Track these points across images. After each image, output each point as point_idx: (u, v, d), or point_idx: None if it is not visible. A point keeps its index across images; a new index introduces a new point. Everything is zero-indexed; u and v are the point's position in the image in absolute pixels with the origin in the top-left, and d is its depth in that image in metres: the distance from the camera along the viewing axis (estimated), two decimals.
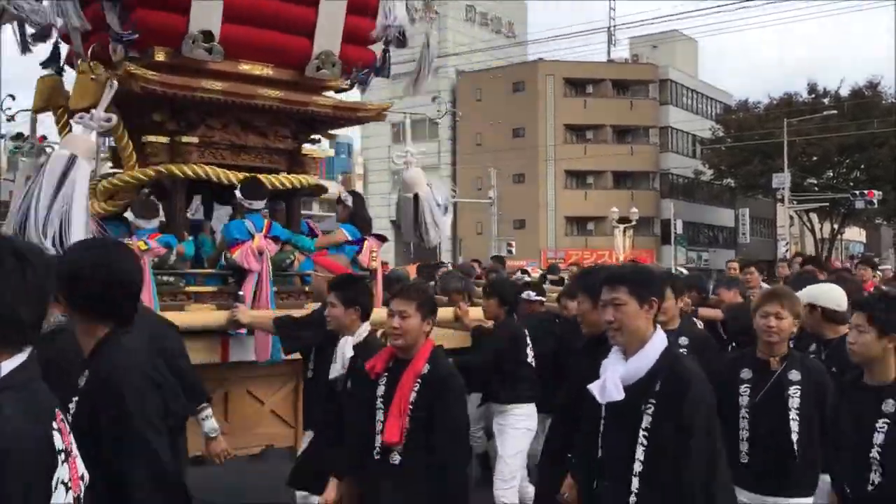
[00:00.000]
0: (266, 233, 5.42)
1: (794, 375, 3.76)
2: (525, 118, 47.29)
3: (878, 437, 3.03)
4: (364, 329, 4.14)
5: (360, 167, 50.00)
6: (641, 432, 2.81)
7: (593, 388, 2.89)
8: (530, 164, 46.58)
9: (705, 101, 53.58)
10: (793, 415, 3.72)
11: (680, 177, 50.81)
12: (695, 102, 52.70)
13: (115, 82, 4.88)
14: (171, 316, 4.51)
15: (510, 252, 35.84)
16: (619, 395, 2.81)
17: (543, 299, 6.53)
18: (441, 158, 50.55)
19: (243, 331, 5.02)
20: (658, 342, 2.89)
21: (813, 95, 44.78)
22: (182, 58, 5.30)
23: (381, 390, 3.51)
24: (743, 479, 3.74)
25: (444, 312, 5.92)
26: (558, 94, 48.03)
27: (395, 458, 3.42)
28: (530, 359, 5.61)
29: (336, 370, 4.20)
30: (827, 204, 42.51)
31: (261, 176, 5.63)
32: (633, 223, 34.87)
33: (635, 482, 2.81)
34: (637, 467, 2.81)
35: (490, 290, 5.88)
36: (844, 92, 43.94)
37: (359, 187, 46.73)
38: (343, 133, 78.27)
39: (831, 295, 4.35)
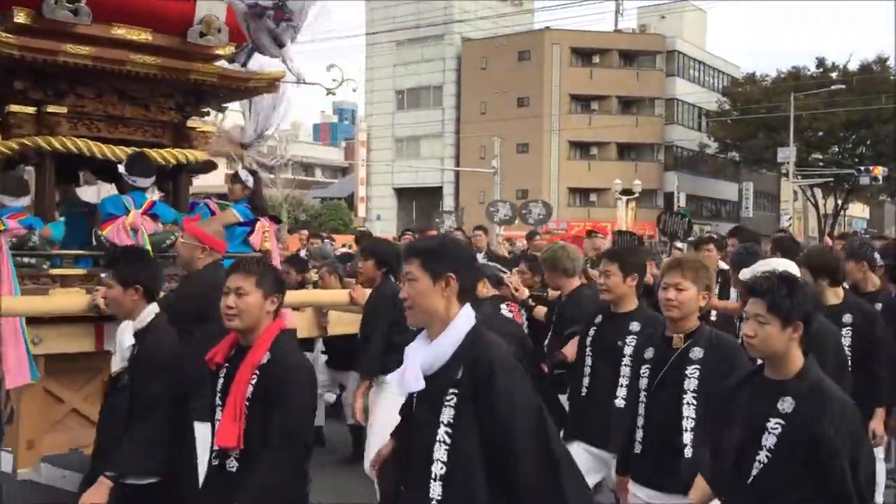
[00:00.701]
0: (146, 210, 5.05)
1: (696, 353, 3.29)
2: (530, 87, 46.97)
3: (769, 439, 2.59)
4: (148, 312, 3.49)
5: (364, 134, 49.72)
6: (443, 428, 2.39)
7: (393, 377, 2.52)
8: (534, 133, 46.36)
9: (712, 73, 53.14)
10: (687, 399, 3.25)
11: (684, 149, 50.58)
12: (702, 74, 52.28)
13: None
14: (24, 301, 4.19)
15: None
16: (417, 384, 2.42)
17: None
18: (445, 127, 50.33)
19: None
20: (461, 323, 2.46)
21: (821, 69, 44.39)
22: (45, 20, 4.84)
23: (219, 384, 3.00)
24: (637, 473, 3.41)
25: (340, 295, 5.74)
26: (564, 64, 47.64)
27: (232, 465, 2.89)
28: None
29: (116, 363, 3.71)
30: (831, 179, 42.36)
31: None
32: (636, 195, 34.75)
33: (436, 488, 2.38)
34: (437, 469, 2.38)
35: (367, 252, 5.46)
36: (853, 66, 43.59)
37: (362, 154, 46.59)
38: (347, 100, 76.96)
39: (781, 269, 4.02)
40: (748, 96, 45.43)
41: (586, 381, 4.29)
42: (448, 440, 2.38)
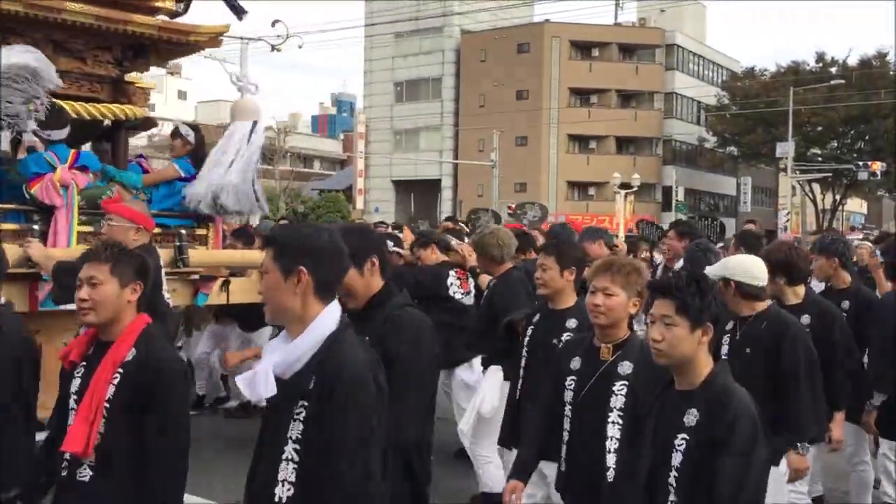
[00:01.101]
0: (71, 164, 4.85)
1: (625, 368, 3.04)
2: (529, 80, 46.91)
3: (676, 458, 2.40)
4: None
5: (363, 126, 49.64)
6: (291, 445, 2.10)
7: (240, 380, 2.17)
8: (533, 126, 46.33)
9: (712, 68, 53.09)
10: (612, 418, 3.00)
11: (683, 143, 50.57)
12: (701, 68, 52.23)
13: None
14: None
15: (511, 215, 35.78)
16: (267, 391, 2.10)
17: (400, 251, 6.13)
18: (444, 119, 50.27)
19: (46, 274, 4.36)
20: (322, 325, 2.17)
21: (820, 64, 44.37)
22: None
23: (75, 385, 2.66)
24: (563, 493, 3.19)
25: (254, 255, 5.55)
26: (564, 57, 47.57)
27: (84, 474, 2.57)
28: None
29: None
30: (830, 174, 42.38)
31: (76, 105, 5.07)
32: (635, 189, 34.72)
33: None
34: (282, 492, 2.09)
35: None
36: (852, 61, 43.58)
37: (360, 146, 46.51)
38: (345, 92, 76.73)
39: (745, 266, 3.82)
40: (747, 91, 45.41)
41: (520, 383, 4.03)
42: (296, 458, 2.09)
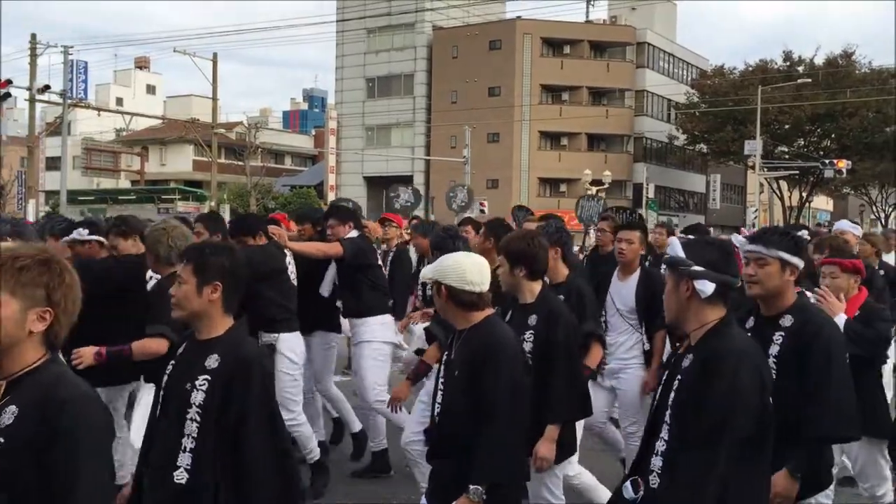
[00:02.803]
0: None
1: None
2: (501, 77, 47.01)
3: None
4: None
5: (334, 121, 49.39)
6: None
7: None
8: (505, 123, 46.43)
9: (682, 66, 53.58)
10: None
11: (654, 141, 50.98)
12: (671, 66, 52.68)
13: None
14: None
15: (482, 211, 35.84)
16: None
17: (101, 238, 5.28)
18: (416, 115, 50.20)
19: None
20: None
21: (788, 63, 44.96)
22: None
23: None
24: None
25: None
26: (535, 54, 47.74)
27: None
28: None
29: None
30: (797, 172, 42.96)
31: None
32: (606, 186, 34.97)
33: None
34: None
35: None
36: (819, 60, 44.19)
37: (332, 142, 46.30)
38: (316, 87, 76.80)
39: (462, 268, 3.09)
40: (716, 89, 45.88)
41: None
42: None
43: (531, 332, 3.75)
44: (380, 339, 5.83)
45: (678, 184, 52.94)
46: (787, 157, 44.99)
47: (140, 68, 65.22)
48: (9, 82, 25.85)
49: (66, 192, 29.93)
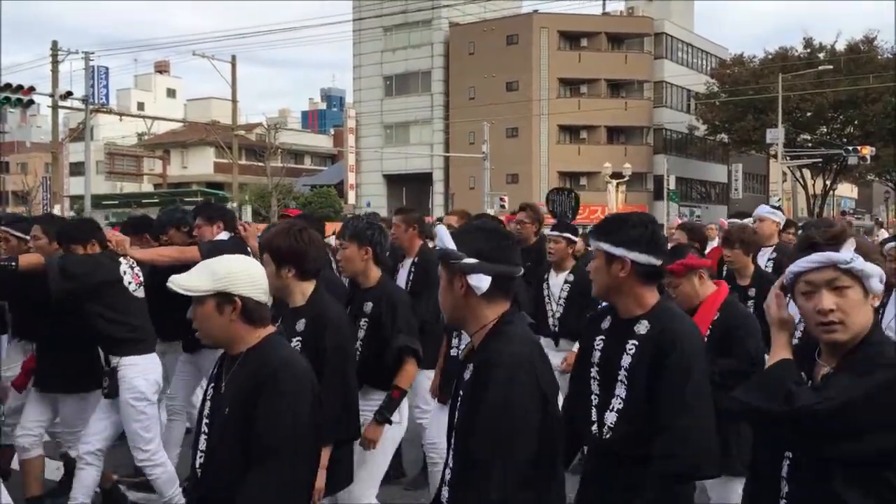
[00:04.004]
0: None
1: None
2: (519, 72, 46.90)
3: None
4: None
5: (353, 120, 49.57)
6: None
7: None
8: (523, 118, 46.33)
9: (700, 55, 53.17)
10: None
11: (673, 132, 50.66)
12: (690, 56, 52.30)
13: None
14: None
15: (503, 207, 35.82)
16: None
17: (23, 236, 5.16)
18: (434, 112, 50.22)
19: None
20: None
21: (808, 50, 44.49)
22: None
23: None
24: None
25: None
26: (552, 48, 47.58)
27: None
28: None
29: None
30: (820, 160, 42.53)
31: None
32: (626, 178, 34.79)
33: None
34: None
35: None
36: (840, 46, 43.69)
37: (351, 141, 46.46)
38: (334, 87, 77.49)
39: (250, 276, 2.52)
40: (736, 78, 45.50)
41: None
42: None
43: (299, 338, 3.32)
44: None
45: (700, 175, 52.57)
46: (809, 144, 44.54)
47: (160, 72, 65.79)
48: (32, 89, 26.14)
49: (90, 196, 30.26)
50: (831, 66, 39.37)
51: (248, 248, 5.19)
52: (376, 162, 50.75)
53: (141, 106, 58.07)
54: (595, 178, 43.28)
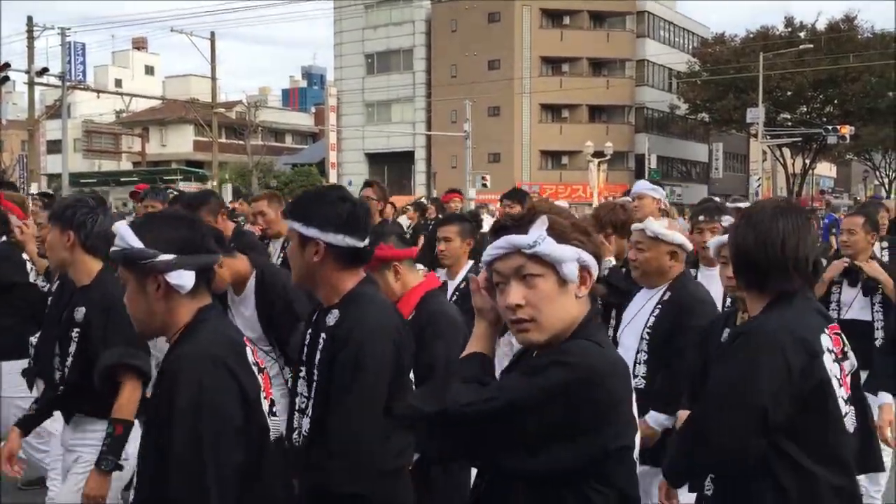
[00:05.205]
0: None
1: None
2: (501, 50, 46.69)
3: None
4: None
5: (334, 99, 49.21)
6: None
7: None
8: (506, 96, 46.20)
9: (682, 34, 53.15)
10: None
11: (655, 111, 50.72)
12: (672, 35, 52.27)
13: None
14: None
15: (485, 186, 35.79)
16: None
17: None
18: (416, 91, 49.96)
19: None
20: None
21: (789, 29, 44.60)
22: None
23: None
24: None
25: None
26: (535, 26, 47.37)
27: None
28: None
29: None
30: (799, 139, 42.76)
31: None
32: (608, 157, 34.84)
33: None
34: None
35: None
36: (821, 25, 43.83)
37: (332, 120, 46.14)
38: (315, 65, 76.41)
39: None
40: (718, 57, 45.56)
41: None
42: None
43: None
44: None
45: (680, 154, 52.73)
46: (789, 124, 44.76)
47: (138, 49, 64.88)
48: (7, 66, 25.74)
49: (67, 174, 29.93)
50: (812, 46, 39.52)
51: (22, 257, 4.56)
52: (358, 140, 50.48)
53: (118, 83, 57.29)
54: (577, 157, 43.32)
